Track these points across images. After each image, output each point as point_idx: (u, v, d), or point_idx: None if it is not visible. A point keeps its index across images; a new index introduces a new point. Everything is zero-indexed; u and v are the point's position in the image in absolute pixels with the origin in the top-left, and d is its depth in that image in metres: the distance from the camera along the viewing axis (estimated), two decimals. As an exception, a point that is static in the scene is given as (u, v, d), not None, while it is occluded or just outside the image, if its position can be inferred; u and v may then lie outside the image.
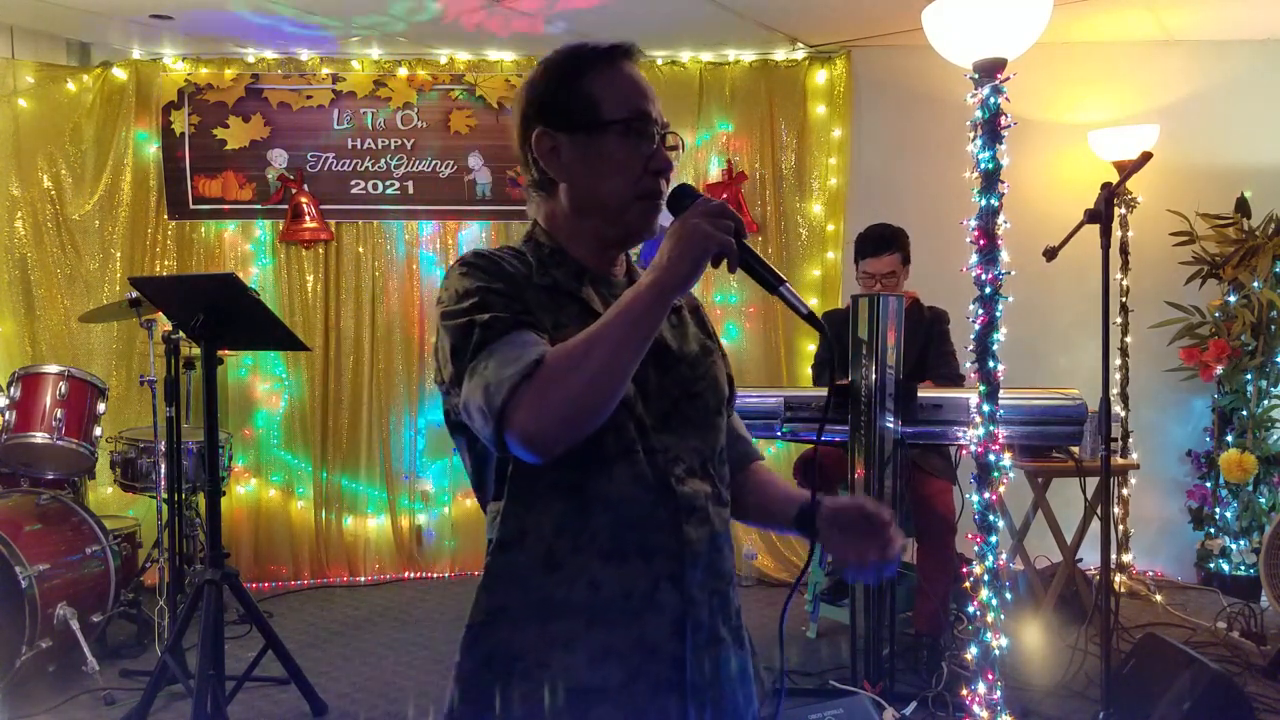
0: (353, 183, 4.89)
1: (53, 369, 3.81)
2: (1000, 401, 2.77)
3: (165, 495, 3.66)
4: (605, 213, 1.25)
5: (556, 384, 1.08)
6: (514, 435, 1.09)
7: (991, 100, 2.71)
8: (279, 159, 4.86)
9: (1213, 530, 4.66)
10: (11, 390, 3.74)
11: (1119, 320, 4.63)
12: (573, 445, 1.13)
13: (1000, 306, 2.75)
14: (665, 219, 1.23)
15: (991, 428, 2.75)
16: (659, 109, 1.27)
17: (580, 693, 1.17)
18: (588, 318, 1.17)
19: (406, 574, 4.91)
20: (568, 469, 1.17)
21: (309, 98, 4.86)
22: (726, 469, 1.34)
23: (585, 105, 1.23)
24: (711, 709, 1.24)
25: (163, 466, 3.66)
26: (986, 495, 2.76)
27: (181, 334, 3.33)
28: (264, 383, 4.97)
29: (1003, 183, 2.74)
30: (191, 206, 4.85)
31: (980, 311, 2.75)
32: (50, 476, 3.88)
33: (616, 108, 1.23)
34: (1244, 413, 4.54)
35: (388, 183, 4.89)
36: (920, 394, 3.21)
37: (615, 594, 1.18)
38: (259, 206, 4.87)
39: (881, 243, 3.57)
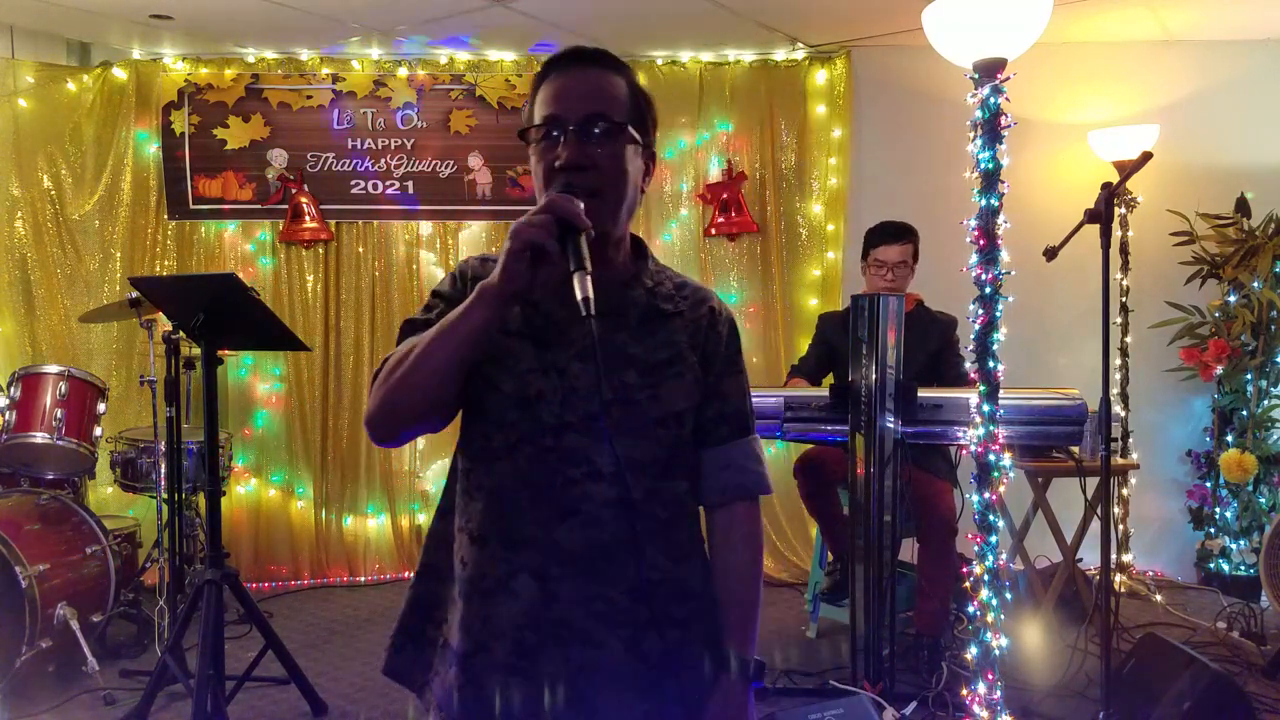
0: (353, 183, 4.89)
1: (53, 369, 3.81)
2: (1000, 401, 2.76)
3: (165, 495, 3.66)
4: None
5: (382, 381, 1.25)
6: (365, 423, 1.29)
7: (991, 100, 2.71)
8: (279, 159, 4.86)
9: (1213, 530, 4.65)
10: (11, 390, 3.74)
11: (1119, 320, 4.62)
12: (407, 434, 1.30)
13: (1000, 306, 2.74)
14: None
15: (991, 428, 2.75)
16: (582, 106, 1.26)
17: (452, 651, 1.33)
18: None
19: (406, 574, 4.90)
20: (465, 458, 1.34)
21: (309, 98, 4.85)
22: (667, 482, 1.32)
23: (527, 122, 1.33)
24: (576, 707, 1.26)
25: (163, 466, 3.65)
26: (986, 495, 2.76)
27: (181, 334, 3.33)
28: (264, 383, 4.97)
29: (1003, 183, 2.74)
30: (191, 206, 4.85)
31: (980, 311, 2.75)
32: (50, 476, 3.88)
33: (532, 120, 1.31)
34: (1244, 413, 4.54)
35: (388, 183, 4.89)
36: (921, 394, 3.21)
37: (474, 574, 1.31)
38: (259, 206, 4.87)
39: (896, 233, 3.61)
